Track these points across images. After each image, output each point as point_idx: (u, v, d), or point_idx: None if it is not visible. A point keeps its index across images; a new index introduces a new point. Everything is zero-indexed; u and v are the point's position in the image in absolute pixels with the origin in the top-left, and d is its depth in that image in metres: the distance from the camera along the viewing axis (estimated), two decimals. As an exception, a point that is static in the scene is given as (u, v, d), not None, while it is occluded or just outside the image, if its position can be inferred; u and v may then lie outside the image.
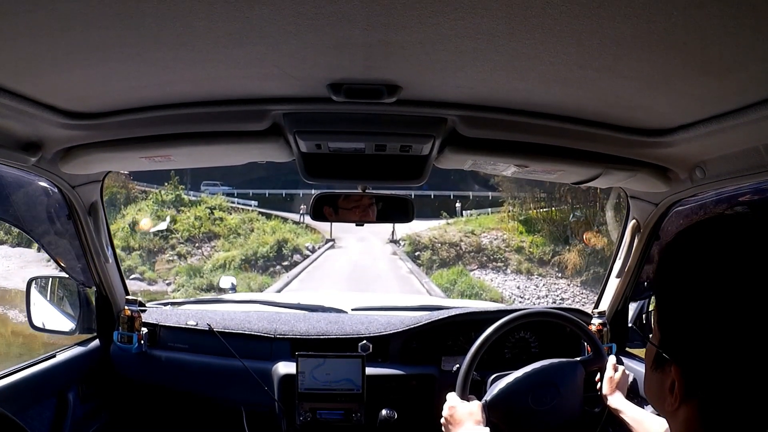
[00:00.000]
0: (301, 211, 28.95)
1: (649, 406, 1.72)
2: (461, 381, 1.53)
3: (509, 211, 26.38)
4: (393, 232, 27.50)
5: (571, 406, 1.59)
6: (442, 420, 1.48)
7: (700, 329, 0.59)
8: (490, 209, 29.39)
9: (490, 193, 30.75)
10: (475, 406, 1.45)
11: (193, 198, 27.49)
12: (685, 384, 0.61)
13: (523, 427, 1.55)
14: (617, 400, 1.52)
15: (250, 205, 29.84)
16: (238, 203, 29.58)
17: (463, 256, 23.77)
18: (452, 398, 1.50)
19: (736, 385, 0.57)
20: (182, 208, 25.71)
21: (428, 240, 25.03)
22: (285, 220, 28.13)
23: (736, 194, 1.40)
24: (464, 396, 1.51)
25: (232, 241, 24.52)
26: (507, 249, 23.83)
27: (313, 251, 24.59)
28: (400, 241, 26.55)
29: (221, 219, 25.91)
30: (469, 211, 29.84)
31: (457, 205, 30.61)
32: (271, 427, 1.81)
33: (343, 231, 27.15)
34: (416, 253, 24.34)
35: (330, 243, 26.65)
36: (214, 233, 24.98)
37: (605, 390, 1.55)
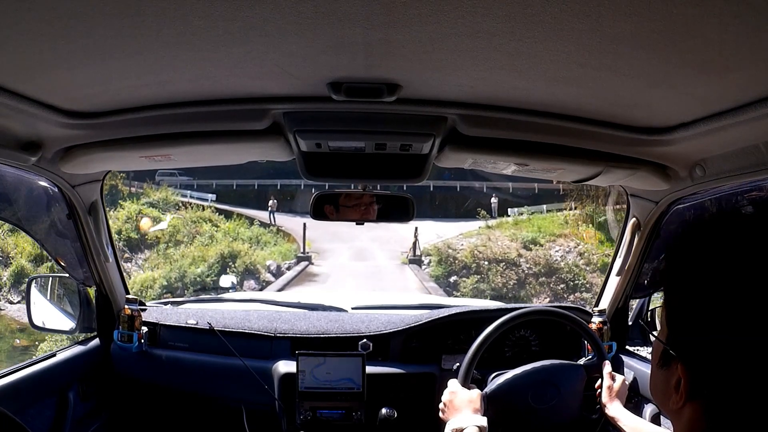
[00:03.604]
0: (269, 208, 22.14)
1: (648, 406, 1.73)
2: (464, 369, 1.54)
3: (576, 209, 18.29)
4: (415, 243, 17.70)
5: (569, 409, 1.59)
6: (441, 405, 1.48)
7: (708, 328, 0.58)
8: (544, 206, 21.28)
9: (536, 185, 23.17)
10: (475, 394, 1.46)
11: (136, 190, 20.89)
12: (690, 382, 0.60)
13: (520, 423, 1.56)
14: (616, 409, 1.52)
15: (207, 200, 22.86)
16: (192, 197, 22.80)
17: (526, 281, 15.69)
18: (453, 384, 1.51)
19: (742, 386, 0.57)
20: (119, 202, 18.88)
21: (468, 254, 16.37)
22: (251, 220, 21.00)
23: (740, 192, 1.40)
24: (466, 384, 1.52)
25: (167, 254, 17.21)
26: (588, 269, 15.89)
27: (277, 274, 16.81)
28: (424, 257, 17.58)
29: (156, 220, 18.68)
30: (515, 210, 21.41)
31: (493, 200, 22.33)
32: (272, 426, 1.81)
33: (331, 239, 19.13)
34: (451, 279, 15.85)
35: (304, 263, 17.90)
36: (146, 240, 17.93)
37: (604, 398, 1.55)
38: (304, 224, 18.14)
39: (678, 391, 0.61)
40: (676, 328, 0.63)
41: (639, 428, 1.44)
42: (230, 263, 16.59)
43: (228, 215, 21.29)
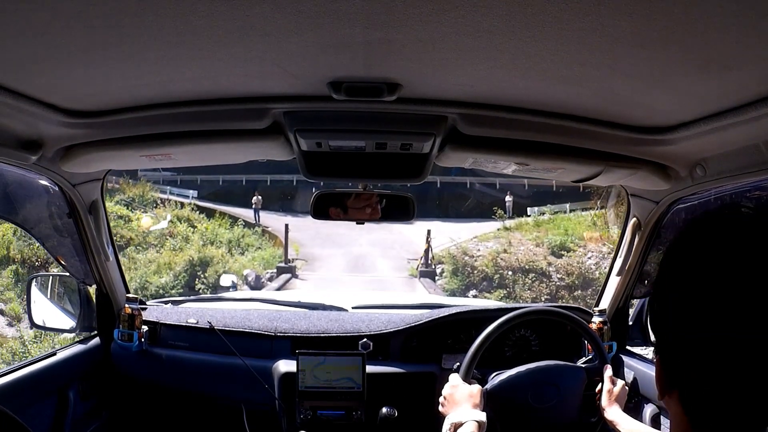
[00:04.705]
0: (254, 206, 20.24)
1: (648, 407, 1.74)
2: (466, 364, 1.54)
3: (604, 208, 14.94)
4: (428, 250, 14.68)
5: (568, 410, 1.59)
6: (441, 398, 1.48)
7: (676, 324, 0.61)
8: (567, 205, 19.23)
9: (553, 181, 19.91)
10: (475, 389, 1.46)
11: (113, 186, 17.80)
12: (664, 375, 0.63)
13: (519, 422, 1.56)
14: (615, 413, 1.52)
15: (188, 197, 21.04)
16: (172, 193, 20.86)
17: (558, 294, 13.30)
18: (455, 378, 1.51)
19: (711, 379, 0.58)
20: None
21: (489, 262, 13.77)
22: (234, 219, 18.50)
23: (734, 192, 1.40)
24: (467, 379, 1.52)
25: (135, 259, 14.88)
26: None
27: (256, 287, 14.20)
28: (437, 265, 14.80)
29: (125, 219, 16.02)
30: (535, 209, 19.32)
31: (508, 198, 20.38)
32: (272, 425, 1.81)
33: (324, 243, 16.65)
34: (470, 293, 13.06)
35: (286, 276, 14.65)
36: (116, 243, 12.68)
37: (604, 402, 1.55)
38: (286, 226, 16.02)
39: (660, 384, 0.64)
40: (655, 325, 0.65)
41: None
42: (200, 272, 13.89)
43: (210, 214, 18.91)
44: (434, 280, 14.17)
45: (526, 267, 13.71)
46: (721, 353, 0.57)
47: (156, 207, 18.08)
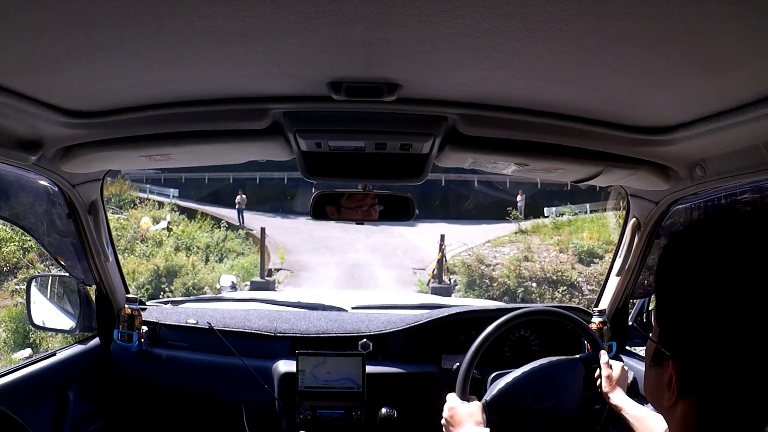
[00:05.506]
0: (237, 206, 18.85)
1: (649, 406, 1.73)
2: (461, 381, 1.52)
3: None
4: (442, 261, 12.32)
5: (571, 404, 1.59)
6: (443, 421, 1.47)
7: (698, 326, 0.60)
8: (588, 205, 17.64)
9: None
10: (475, 407, 1.45)
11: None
12: (681, 379, 0.62)
13: (524, 425, 1.55)
14: (618, 397, 1.52)
15: (168, 196, 19.90)
16: (152, 192, 19.66)
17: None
18: (452, 399, 1.49)
19: (731, 380, 0.58)
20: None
21: (510, 272, 11.72)
22: (217, 221, 16.76)
23: (726, 195, 1.41)
24: (464, 396, 1.50)
25: None
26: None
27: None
28: (451, 278, 12.46)
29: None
30: (552, 209, 17.87)
31: (519, 198, 19.18)
32: (272, 425, 1.81)
33: (315, 248, 14.66)
34: None
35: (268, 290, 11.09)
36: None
37: (605, 387, 1.55)
38: (263, 229, 14.13)
39: (670, 388, 0.63)
40: (667, 326, 0.64)
41: (641, 416, 1.43)
42: (165, 284, 12.00)
43: (192, 215, 17.22)
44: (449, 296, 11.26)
45: (554, 278, 11.58)
46: (746, 355, 0.57)
47: (133, 207, 16.52)
